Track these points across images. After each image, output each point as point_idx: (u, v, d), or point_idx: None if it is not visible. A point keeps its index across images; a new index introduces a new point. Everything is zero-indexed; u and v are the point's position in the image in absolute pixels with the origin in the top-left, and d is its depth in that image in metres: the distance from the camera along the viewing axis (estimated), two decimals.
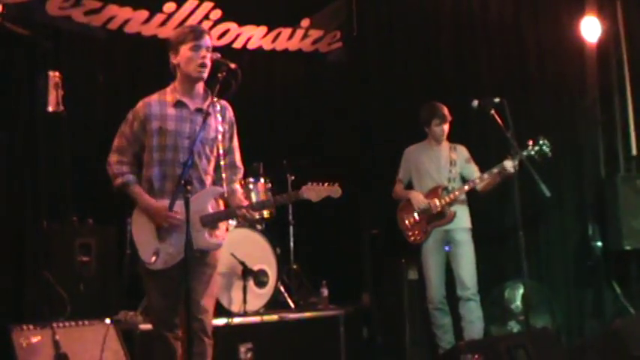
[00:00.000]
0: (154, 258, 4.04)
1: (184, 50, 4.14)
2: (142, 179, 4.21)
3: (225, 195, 4.28)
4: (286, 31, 8.34)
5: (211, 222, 4.16)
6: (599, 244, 6.73)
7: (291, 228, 7.21)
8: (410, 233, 6.36)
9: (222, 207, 4.30)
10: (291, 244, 7.18)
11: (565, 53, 7.01)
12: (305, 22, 8.42)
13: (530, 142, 5.89)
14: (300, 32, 8.40)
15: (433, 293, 6.27)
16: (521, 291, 6.42)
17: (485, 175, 6.04)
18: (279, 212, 6.90)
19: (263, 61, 8.34)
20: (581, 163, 6.70)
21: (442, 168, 6.34)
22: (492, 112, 5.51)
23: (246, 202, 4.30)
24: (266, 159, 6.94)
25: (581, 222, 6.88)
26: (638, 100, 6.89)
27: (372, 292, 7.42)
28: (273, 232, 6.96)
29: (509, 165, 5.77)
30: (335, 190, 4.29)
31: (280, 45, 8.35)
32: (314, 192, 4.22)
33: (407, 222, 6.38)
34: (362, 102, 8.31)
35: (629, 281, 6.64)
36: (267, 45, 8.28)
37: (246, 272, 6.28)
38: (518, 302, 6.50)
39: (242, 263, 6.27)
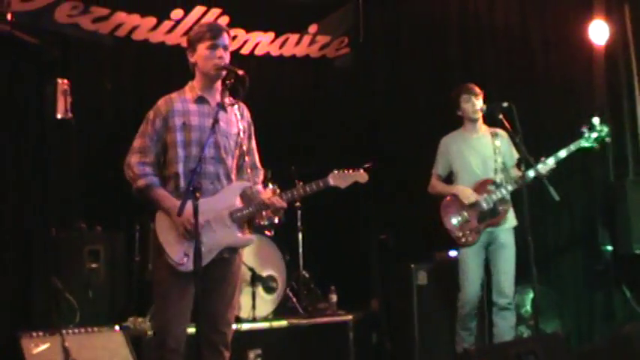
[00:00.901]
0: (185, 259, 3.91)
1: (201, 49, 4.10)
2: (164, 179, 4.10)
3: (249, 193, 4.22)
4: (294, 37, 8.34)
5: (242, 217, 4.10)
6: (609, 247, 6.67)
7: (300, 234, 7.18)
8: (460, 234, 5.84)
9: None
10: (300, 250, 7.13)
11: (573, 56, 6.97)
12: (312, 28, 8.42)
13: (585, 128, 5.71)
14: (307, 38, 8.41)
15: (470, 298, 5.87)
16: (530, 296, 6.39)
17: (532, 174, 5.54)
18: (287, 218, 6.88)
19: (270, 67, 8.34)
20: (590, 167, 6.64)
21: (487, 159, 5.94)
22: (500, 116, 5.45)
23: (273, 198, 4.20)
24: (273, 165, 6.91)
25: (590, 226, 6.83)
26: None
27: (380, 298, 7.42)
28: (282, 238, 6.96)
29: (550, 163, 5.69)
30: (362, 176, 4.31)
31: (288, 51, 8.36)
32: (341, 179, 4.24)
33: (455, 221, 5.88)
34: (369, 107, 8.31)
35: (639, 285, 6.59)
36: (274, 51, 8.28)
37: (255, 278, 6.32)
38: (528, 307, 6.47)
39: (251, 269, 6.30)
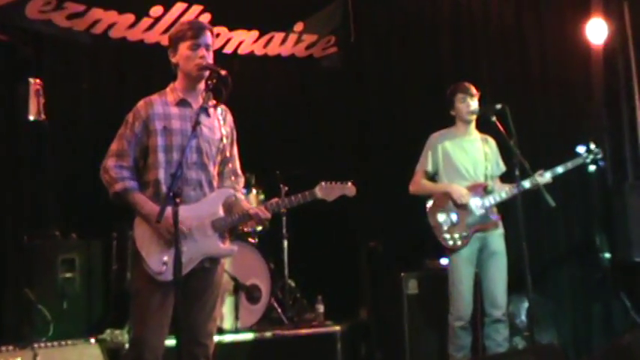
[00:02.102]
0: (164, 268, 3.89)
1: (183, 48, 4.08)
2: (143, 184, 4.08)
3: (232, 201, 4.20)
4: (279, 36, 8.32)
5: (224, 226, 4.10)
6: (607, 255, 6.69)
7: (285, 241, 7.15)
8: (447, 236, 5.75)
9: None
10: (285, 257, 7.10)
11: (570, 56, 6.99)
12: (298, 27, 8.40)
13: (582, 149, 5.78)
14: (293, 37, 8.39)
15: (463, 310, 5.75)
16: (525, 305, 6.39)
17: (528, 185, 5.57)
18: (272, 225, 6.84)
19: (254, 67, 8.32)
20: (587, 171, 6.64)
21: (479, 163, 5.91)
22: (494, 119, 5.42)
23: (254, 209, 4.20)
24: (258, 169, 6.91)
25: (587, 232, 6.85)
26: None
27: (370, 308, 7.40)
28: (266, 245, 6.95)
29: (547, 177, 5.71)
30: (350, 189, 4.30)
31: (272, 50, 8.33)
32: (328, 191, 4.23)
33: (442, 220, 5.80)
34: (358, 109, 8.30)
35: (638, 294, 6.60)
36: (258, 50, 8.26)
37: (239, 287, 6.30)
38: (523, 317, 6.47)
39: (234, 278, 6.27)
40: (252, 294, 6.43)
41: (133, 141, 4.06)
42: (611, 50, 6.86)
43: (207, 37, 4.13)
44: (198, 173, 4.08)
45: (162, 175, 4.02)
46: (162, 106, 4.10)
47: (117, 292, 6.35)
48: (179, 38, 4.11)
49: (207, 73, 4.07)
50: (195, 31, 4.10)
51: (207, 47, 4.10)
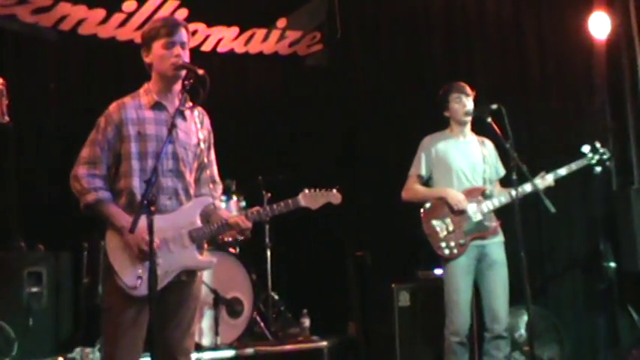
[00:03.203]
0: (138, 282, 3.84)
1: (157, 47, 4.02)
2: (115, 193, 4.02)
3: (211, 211, 4.18)
4: (260, 32, 8.30)
5: (202, 237, 4.06)
6: (612, 264, 6.70)
7: (268, 251, 7.14)
8: (443, 244, 5.66)
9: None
10: (269, 268, 7.09)
11: (571, 52, 7.00)
12: (281, 22, 8.38)
13: (587, 148, 5.75)
14: (276, 33, 8.37)
15: (460, 324, 5.64)
16: (525, 318, 6.37)
17: (529, 188, 5.55)
18: (254, 234, 6.81)
19: (235, 66, 8.33)
20: (590, 175, 6.58)
21: (476, 166, 5.86)
22: (489, 119, 5.38)
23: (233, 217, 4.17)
24: (239, 175, 6.90)
25: (591, 240, 6.86)
26: None
27: (358, 322, 7.41)
28: (248, 255, 6.95)
29: (549, 180, 5.70)
30: (334, 196, 4.28)
31: (254, 47, 8.31)
32: (313, 199, 4.21)
33: (437, 227, 5.71)
34: (345, 110, 8.29)
35: None
36: (239, 48, 8.24)
37: (219, 301, 6.32)
38: (522, 330, 6.46)
39: (214, 291, 6.28)
40: (233, 307, 6.44)
41: (105, 147, 4.00)
42: (615, 46, 6.87)
43: (183, 34, 4.08)
44: (174, 181, 4.04)
45: (136, 183, 3.96)
46: (135, 109, 4.05)
47: (87, 307, 6.31)
48: (152, 36, 4.07)
49: (183, 73, 4.01)
50: (170, 28, 4.05)
51: (182, 45, 4.06)
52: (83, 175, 3.97)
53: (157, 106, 4.08)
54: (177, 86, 4.10)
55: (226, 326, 6.34)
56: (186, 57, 4.06)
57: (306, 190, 4.23)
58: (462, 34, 7.71)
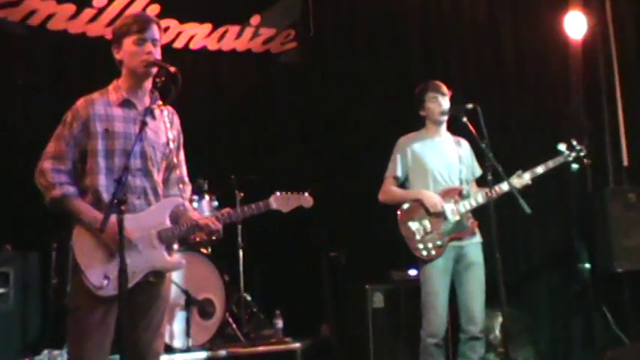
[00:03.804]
0: (105, 282, 3.83)
1: (127, 44, 4.03)
2: (81, 191, 3.98)
3: (181, 211, 4.17)
4: (233, 30, 8.31)
5: (171, 237, 4.05)
6: (587, 265, 6.75)
7: (241, 252, 7.14)
8: (421, 246, 5.66)
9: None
10: (241, 269, 7.09)
11: (546, 52, 7.05)
12: (255, 20, 8.40)
13: (564, 146, 5.81)
14: (249, 31, 8.38)
15: (437, 325, 5.63)
16: (499, 320, 6.41)
17: (505, 187, 5.60)
18: (226, 234, 6.83)
19: (207, 63, 8.32)
20: (565, 175, 6.68)
21: (453, 166, 5.88)
22: (465, 119, 5.39)
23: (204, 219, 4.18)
24: (211, 174, 6.90)
25: (566, 241, 6.90)
26: (629, 103, 6.92)
27: (332, 323, 7.41)
28: (220, 256, 6.93)
29: (526, 178, 5.75)
30: (306, 199, 4.35)
31: (227, 45, 8.32)
32: (284, 202, 4.26)
33: (414, 228, 5.72)
34: (319, 109, 8.30)
35: (621, 307, 6.65)
36: (212, 45, 8.25)
37: (190, 302, 6.28)
38: (497, 332, 6.49)
39: (185, 292, 6.26)
40: (204, 309, 6.43)
41: (71, 142, 3.99)
42: (591, 45, 6.93)
43: (155, 31, 4.08)
44: (142, 180, 4.03)
45: (102, 181, 3.95)
46: (104, 106, 4.04)
47: (56, 308, 6.26)
48: (123, 32, 4.06)
49: (154, 70, 4.03)
50: (141, 24, 4.05)
51: (154, 42, 4.05)
52: (48, 169, 3.95)
53: (125, 104, 4.07)
54: (148, 84, 4.10)
55: (198, 328, 6.32)
56: (157, 54, 4.06)
57: (278, 193, 4.27)
58: (437, 32, 7.74)
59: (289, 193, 4.29)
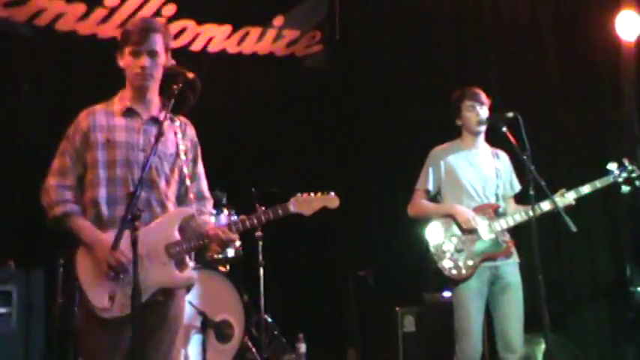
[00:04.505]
0: (108, 302, 3.82)
1: (126, 53, 4.06)
2: (84, 205, 4.02)
3: (192, 223, 4.14)
4: (255, 31, 8.30)
5: (180, 252, 4.01)
6: None
7: (261, 270, 7.08)
8: (451, 265, 5.58)
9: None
10: (261, 289, 7.02)
11: (595, 55, 7.00)
12: (278, 21, 8.38)
13: (614, 166, 5.73)
14: (271, 32, 8.37)
15: (471, 353, 5.55)
16: (542, 347, 6.36)
17: (546, 207, 5.51)
18: (246, 250, 6.82)
19: (227, 68, 8.32)
20: (615, 190, 6.57)
21: (489, 180, 5.80)
22: (504, 129, 5.37)
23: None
24: (230, 186, 6.88)
25: (616, 262, 6.84)
26: None
27: (359, 348, 7.40)
28: (240, 274, 6.91)
29: (570, 198, 5.67)
30: (332, 200, 4.22)
31: (248, 48, 8.31)
32: (306, 204, 4.16)
33: (446, 249, 5.63)
34: (346, 117, 8.28)
35: None
36: (232, 48, 8.23)
37: (206, 324, 6.29)
38: None
39: (201, 313, 6.26)
40: (222, 331, 6.42)
41: (74, 157, 4.05)
42: None
43: (154, 41, 4.06)
44: (146, 191, 3.99)
45: (102, 194, 3.98)
46: (105, 116, 4.09)
47: (61, 330, 6.25)
48: (124, 41, 4.09)
49: (148, 83, 4.06)
50: (139, 35, 4.04)
51: (151, 54, 4.04)
52: (53, 186, 4.02)
53: (128, 113, 4.11)
54: (151, 94, 4.13)
55: (215, 352, 6.32)
56: (155, 68, 4.09)
57: (298, 194, 4.18)
58: (474, 34, 7.72)
59: (311, 194, 4.20)
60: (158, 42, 4.08)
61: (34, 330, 6.16)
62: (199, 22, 7.98)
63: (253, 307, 6.97)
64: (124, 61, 4.08)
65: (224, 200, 6.85)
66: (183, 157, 4.14)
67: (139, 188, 3.67)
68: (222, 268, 6.81)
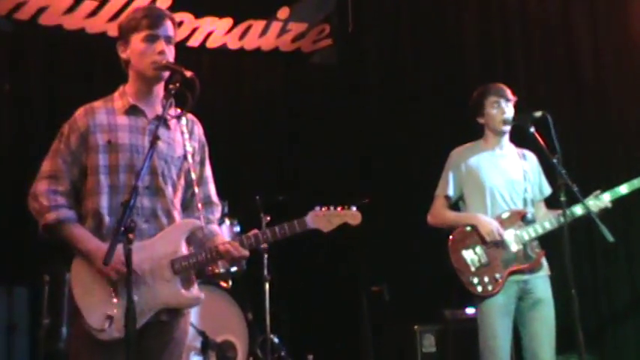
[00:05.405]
0: (105, 324, 3.76)
1: (136, 41, 3.97)
2: (82, 215, 3.95)
3: (200, 236, 4.10)
4: (258, 25, 8.34)
5: (187, 268, 3.95)
6: None
7: (267, 285, 7.08)
8: (475, 280, 5.50)
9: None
10: (267, 306, 7.04)
11: (631, 52, 6.95)
12: (283, 13, 8.43)
13: None
14: (276, 26, 8.41)
15: None
16: None
17: (580, 211, 5.44)
18: (250, 264, 6.80)
19: (228, 64, 8.37)
20: None
21: (515, 184, 5.71)
22: (532, 129, 5.33)
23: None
24: (232, 194, 6.85)
25: None
26: None
27: None
28: (243, 290, 6.90)
29: (605, 200, 5.62)
30: (353, 216, 4.14)
31: (250, 43, 8.35)
32: (325, 219, 4.08)
33: (469, 260, 5.57)
34: (358, 117, 8.27)
35: None
36: (233, 43, 8.28)
37: (207, 345, 6.29)
38: None
39: (201, 333, 6.26)
40: (224, 353, 6.43)
41: (69, 159, 3.96)
42: None
43: (169, 27, 4.02)
44: (151, 200, 3.96)
45: (104, 203, 3.90)
46: (106, 115, 4.00)
47: (48, 353, 6.25)
48: (132, 28, 4.01)
49: (166, 74, 3.98)
50: (153, 19, 3.99)
51: (167, 40, 3.99)
52: (43, 191, 3.92)
53: (132, 111, 4.02)
54: (159, 88, 4.06)
55: None
56: (171, 55, 4.00)
57: (317, 208, 4.12)
58: (499, 28, 7.70)
59: (331, 207, 4.16)
60: (171, 29, 4.04)
61: (16, 353, 6.18)
62: (197, 16, 8.03)
63: (258, 327, 6.92)
64: (132, 50, 3.99)
65: (226, 209, 6.83)
66: (190, 159, 4.11)
67: (133, 198, 3.61)
68: (223, 284, 6.79)
